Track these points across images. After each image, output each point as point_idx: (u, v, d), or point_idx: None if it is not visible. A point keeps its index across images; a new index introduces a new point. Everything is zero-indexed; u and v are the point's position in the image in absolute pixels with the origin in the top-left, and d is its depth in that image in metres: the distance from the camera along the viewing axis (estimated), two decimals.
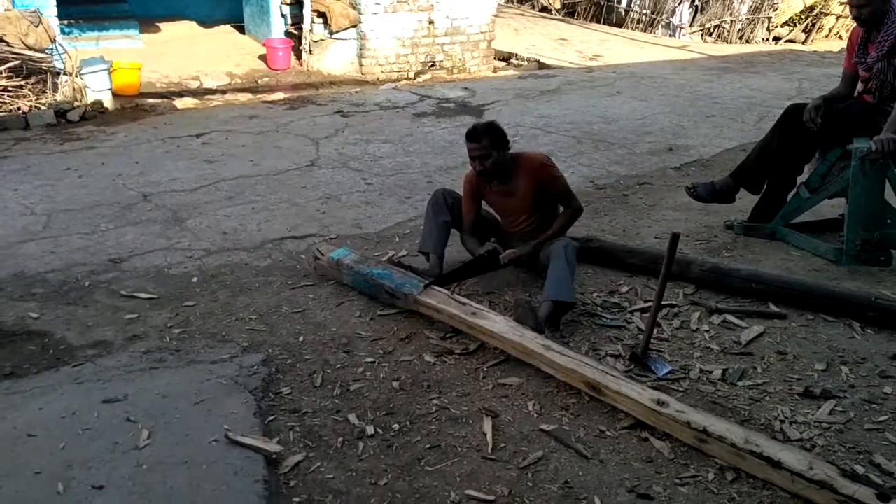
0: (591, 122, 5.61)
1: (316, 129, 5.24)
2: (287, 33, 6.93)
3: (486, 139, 2.55)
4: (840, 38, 9.24)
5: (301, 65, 6.80)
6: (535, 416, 2.03)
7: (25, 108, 4.94)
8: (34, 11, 5.10)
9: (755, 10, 9.13)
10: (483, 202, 2.85)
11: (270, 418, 2.01)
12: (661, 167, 4.54)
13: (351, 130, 5.25)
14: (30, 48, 4.97)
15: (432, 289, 2.51)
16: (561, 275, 2.46)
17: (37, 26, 4.98)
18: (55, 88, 5.16)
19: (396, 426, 1.98)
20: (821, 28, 9.47)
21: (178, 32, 7.47)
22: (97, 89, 5.22)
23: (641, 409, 1.91)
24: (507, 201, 2.72)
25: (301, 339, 2.45)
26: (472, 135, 2.55)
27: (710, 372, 2.23)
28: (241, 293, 2.81)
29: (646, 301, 2.70)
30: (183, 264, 3.06)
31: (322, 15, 6.61)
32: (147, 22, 7.39)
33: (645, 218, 3.65)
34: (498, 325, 2.27)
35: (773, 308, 2.61)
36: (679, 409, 1.86)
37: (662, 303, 2.34)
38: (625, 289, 2.82)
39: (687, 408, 1.87)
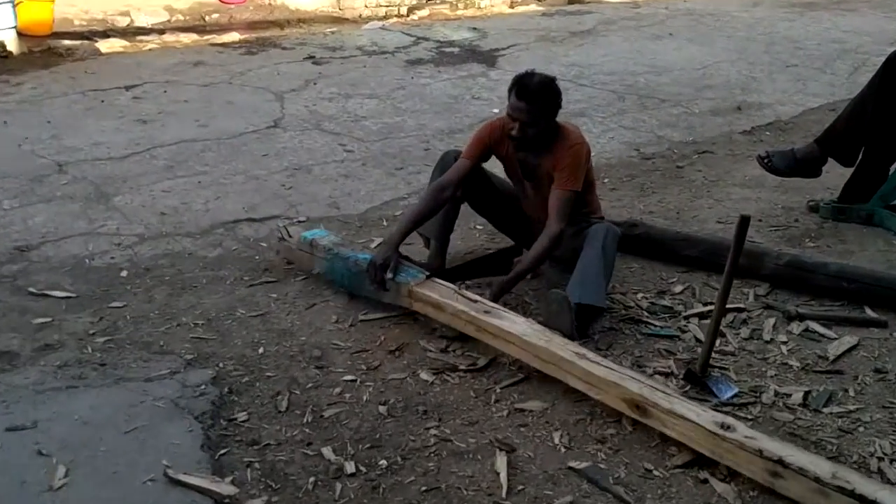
0: (635, 73, 5.59)
1: (280, 81, 5.21)
2: None
3: (540, 102, 2.52)
4: None
5: None
6: (563, 450, 2.03)
7: None
8: None
9: None
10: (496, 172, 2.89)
11: (222, 452, 2.01)
12: (726, 131, 4.54)
13: (325, 82, 5.22)
14: None
15: (433, 281, 2.54)
16: (591, 269, 2.47)
17: None
18: None
19: (384, 463, 1.97)
20: None
21: None
22: None
23: (700, 436, 1.89)
24: (529, 178, 2.73)
25: (261, 350, 2.47)
26: (525, 92, 2.50)
27: (789, 395, 2.23)
28: (183, 291, 2.83)
29: (705, 304, 2.71)
30: (109, 254, 3.07)
31: None
32: None
33: (705, 196, 3.65)
34: (518, 325, 2.29)
35: (869, 313, 2.61)
36: (749, 434, 1.85)
37: (727, 306, 2.35)
38: (678, 288, 2.85)
39: (759, 434, 1.87)
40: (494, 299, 2.51)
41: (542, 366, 2.22)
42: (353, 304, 2.73)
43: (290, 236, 2.92)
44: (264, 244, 3.19)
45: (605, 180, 3.81)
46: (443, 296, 2.47)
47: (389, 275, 2.57)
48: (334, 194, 3.66)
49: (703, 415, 1.92)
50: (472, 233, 3.30)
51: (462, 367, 2.37)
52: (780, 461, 1.76)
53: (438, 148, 4.15)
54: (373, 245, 3.12)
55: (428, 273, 2.60)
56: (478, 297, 2.44)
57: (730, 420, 1.90)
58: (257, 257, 3.08)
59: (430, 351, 2.46)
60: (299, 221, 3.26)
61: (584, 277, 2.47)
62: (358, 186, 3.75)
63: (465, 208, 2.92)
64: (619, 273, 2.87)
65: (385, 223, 3.37)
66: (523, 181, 2.75)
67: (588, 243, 2.54)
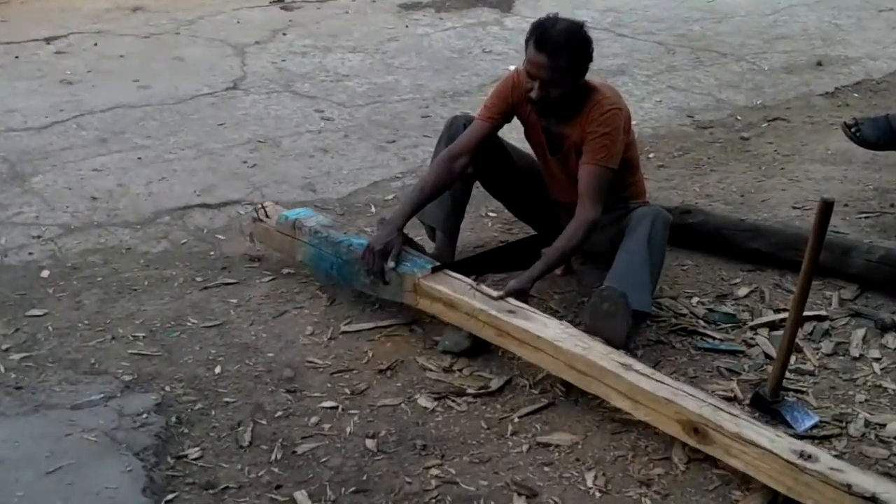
0: (688, 20, 5.58)
1: (240, 31, 5.21)
2: None
3: (566, 55, 2.49)
4: None
5: None
6: (598, 494, 2.02)
7: None
8: None
9: None
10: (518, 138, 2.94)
11: (169, 497, 2.00)
12: (804, 93, 4.52)
13: (298, 32, 5.21)
14: None
15: (444, 273, 2.58)
16: (635, 265, 2.47)
17: None
18: None
19: None
20: None
21: None
22: None
23: (773, 467, 1.88)
24: (554, 151, 2.74)
25: (218, 369, 2.48)
26: (546, 42, 2.47)
27: (883, 426, 2.23)
28: (120, 296, 2.83)
29: (777, 311, 2.71)
30: (26, 248, 3.08)
31: None
32: None
33: (777, 175, 3.65)
34: (550, 329, 2.32)
35: None
36: (835, 465, 1.84)
37: (805, 313, 2.36)
38: (743, 290, 2.85)
39: (847, 465, 1.86)
40: (522, 295, 2.49)
41: (577, 378, 2.24)
42: (333, 311, 2.73)
43: (267, 216, 2.95)
44: (222, 236, 3.20)
45: (651, 156, 3.82)
46: (456, 291, 2.49)
47: (391, 263, 2.58)
48: (309, 174, 3.66)
49: (777, 441, 1.91)
50: (484, 221, 3.32)
51: (470, 390, 2.38)
52: (873, 499, 1.74)
53: (440, 115, 4.14)
54: (368, 230, 3.14)
55: (437, 263, 2.62)
56: (500, 294, 2.47)
57: (811, 448, 1.89)
58: (213, 253, 3.09)
59: (431, 370, 2.47)
60: (263, 206, 3.18)
61: (625, 275, 2.46)
62: (339, 164, 3.75)
63: (474, 191, 2.96)
64: (668, 271, 2.87)
65: (373, 210, 3.39)
66: (547, 155, 2.76)
67: (631, 232, 2.53)
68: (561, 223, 2.64)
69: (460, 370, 2.48)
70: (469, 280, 2.56)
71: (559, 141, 2.68)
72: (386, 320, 2.69)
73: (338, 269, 2.73)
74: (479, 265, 2.82)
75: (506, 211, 3.14)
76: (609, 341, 2.31)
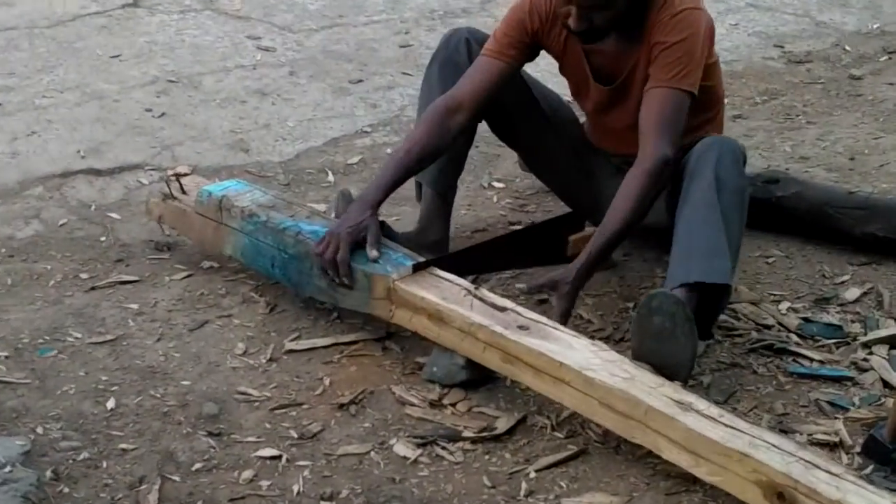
0: None
1: None
2: None
3: None
4: None
5: None
6: None
7: None
8: None
9: None
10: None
11: None
12: None
13: None
14: None
15: (430, 272, 2.59)
16: (695, 224, 2.48)
17: None
18: None
19: None
20: None
21: None
22: None
23: None
24: (605, 79, 2.76)
25: (111, 404, 2.46)
26: None
27: None
28: None
29: None
30: None
31: None
32: None
33: None
34: (577, 352, 2.30)
35: None
36: None
37: None
38: (853, 292, 2.86)
39: None
40: (565, 310, 2.51)
41: (615, 422, 2.22)
42: (274, 322, 2.72)
43: (183, 191, 2.96)
44: (116, 215, 3.20)
45: (725, 100, 3.70)
46: (447, 298, 2.47)
47: (373, 253, 2.57)
48: (240, 127, 3.70)
49: None
50: (486, 195, 3.30)
51: (468, 433, 2.36)
52: None
53: (426, 44, 4.13)
54: (325, 208, 3.10)
55: (420, 259, 2.61)
56: (507, 304, 2.45)
57: None
58: (104, 239, 3.09)
59: (412, 405, 2.45)
60: (177, 176, 3.14)
61: (687, 248, 2.47)
62: (283, 113, 3.75)
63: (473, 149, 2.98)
64: (747, 265, 2.88)
65: (331, 178, 3.38)
66: (592, 86, 2.78)
67: (694, 172, 2.54)
68: (610, 189, 2.66)
69: (453, 405, 2.45)
70: (465, 282, 2.54)
71: (613, 66, 2.70)
72: (348, 334, 2.67)
73: (281, 268, 2.73)
74: (481, 260, 2.80)
75: (517, 179, 3.13)
76: (663, 370, 2.30)
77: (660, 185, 2.56)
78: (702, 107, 2.71)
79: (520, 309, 2.43)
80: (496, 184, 3.36)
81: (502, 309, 2.42)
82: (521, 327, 2.36)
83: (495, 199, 3.30)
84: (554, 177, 3.06)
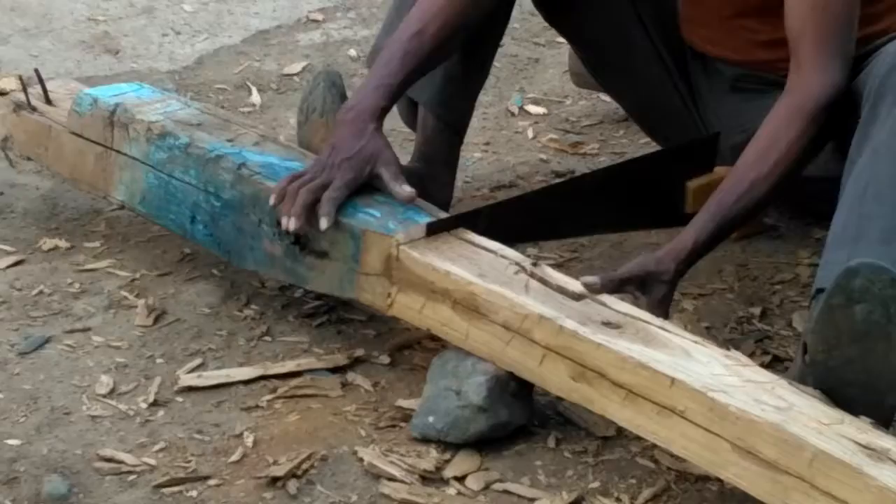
0: None
1: None
2: None
3: None
4: None
5: None
6: None
7: None
8: None
9: None
10: None
11: None
12: None
13: None
14: None
15: (456, 235, 2.35)
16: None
17: None
18: None
19: None
20: None
21: None
22: None
23: None
24: None
25: None
26: None
27: None
28: None
29: None
30: None
31: None
32: None
33: None
34: (700, 363, 2.03)
35: None
36: None
37: None
38: None
39: None
40: (663, 298, 2.23)
41: (760, 482, 1.91)
42: (167, 335, 2.44)
43: (48, 101, 2.78)
44: None
45: None
46: (485, 276, 2.20)
47: (404, 190, 2.35)
48: (106, 13, 3.57)
49: None
50: (516, 125, 3.14)
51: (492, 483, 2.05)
52: None
53: None
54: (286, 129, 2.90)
55: (444, 216, 2.35)
56: (582, 284, 2.14)
57: None
58: None
59: (391, 479, 2.07)
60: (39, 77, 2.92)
61: (876, 199, 2.17)
62: None
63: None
64: None
65: (255, 97, 3.25)
66: None
67: (879, 97, 2.22)
68: (722, 118, 2.43)
69: (460, 480, 2.06)
70: (516, 254, 2.25)
71: None
72: (285, 360, 2.33)
73: (208, 222, 2.46)
74: (539, 217, 2.54)
75: (567, 100, 3.08)
76: (864, 393, 2.00)
77: (825, 131, 2.31)
78: None
79: (605, 297, 2.13)
80: (532, 108, 3.15)
81: (577, 297, 2.10)
82: (607, 324, 2.09)
83: (531, 132, 3.06)
84: (637, 94, 2.82)
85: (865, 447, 1.80)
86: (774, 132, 2.27)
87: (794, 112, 2.27)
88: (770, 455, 1.85)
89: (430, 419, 2.10)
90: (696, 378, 1.92)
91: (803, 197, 2.61)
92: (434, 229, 2.25)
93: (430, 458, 2.07)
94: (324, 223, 2.24)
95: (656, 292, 2.20)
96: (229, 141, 2.51)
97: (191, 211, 2.48)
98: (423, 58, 2.47)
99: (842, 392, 1.96)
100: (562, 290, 2.11)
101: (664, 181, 2.58)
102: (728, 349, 2.08)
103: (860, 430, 1.84)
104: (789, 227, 2.73)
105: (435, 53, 2.49)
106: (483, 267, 2.18)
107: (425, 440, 2.10)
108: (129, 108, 2.60)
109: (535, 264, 2.18)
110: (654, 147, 2.88)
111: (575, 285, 2.15)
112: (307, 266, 2.34)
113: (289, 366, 2.31)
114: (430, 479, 2.06)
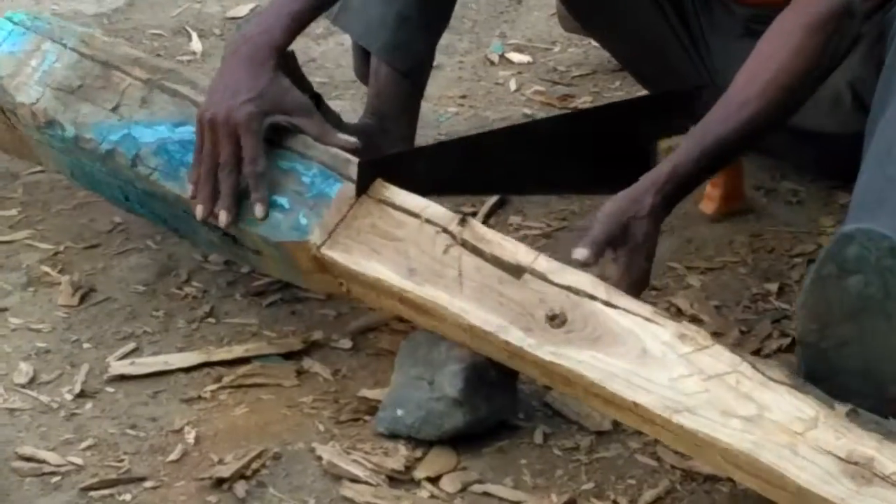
0: None
1: None
2: None
3: None
4: None
5: None
6: None
7: None
8: None
9: None
10: None
11: None
12: None
13: None
14: None
15: (381, 189, 2.26)
16: None
17: None
18: None
19: None
20: None
21: None
22: None
23: None
24: None
25: None
26: None
27: None
28: None
29: None
30: None
31: None
32: None
33: None
34: (660, 361, 1.96)
35: None
36: None
37: None
38: None
39: None
40: (645, 244, 2.11)
41: (780, 499, 1.86)
42: (87, 319, 2.38)
43: None
44: None
45: None
46: (413, 268, 2.13)
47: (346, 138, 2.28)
48: None
49: None
50: (496, 75, 3.15)
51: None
52: None
53: None
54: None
55: (359, 178, 2.19)
56: (524, 254, 2.08)
57: None
58: None
59: (354, 480, 2.06)
60: None
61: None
62: None
63: None
64: None
65: (195, 45, 3.24)
66: None
67: None
68: (733, 66, 2.25)
69: (433, 481, 2.01)
70: (439, 212, 2.14)
71: None
72: (232, 344, 2.29)
73: (144, 202, 2.43)
74: (485, 164, 2.44)
75: (555, 47, 3.10)
76: (864, 380, 1.95)
77: (832, 48, 2.17)
78: None
79: (545, 265, 2.01)
80: (515, 56, 3.13)
81: (516, 271, 2.03)
82: (552, 318, 2.00)
83: (513, 84, 3.03)
84: (629, 41, 2.71)
85: (847, 461, 1.76)
86: (769, 48, 2.21)
87: (793, 23, 2.20)
88: (755, 481, 1.85)
89: (399, 412, 2.05)
90: (657, 395, 1.87)
91: (823, 156, 2.56)
92: (361, 190, 2.19)
93: (398, 456, 2.02)
94: (259, 212, 2.19)
95: (636, 235, 2.10)
96: (114, 111, 2.40)
97: (122, 192, 2.44)
98: None
99: (837, 381, 1.90)
100: (498, 264, 2.03)
101: (632, 138, 2.53)
102: (680, 322, 2.00)
103: (837, 433, 1.78)
104: (810, 192, 2.66)
105: None
106: (411, 253, 2.10)
107: (393, 436, 2.05)
108: (6, 87, 2.53)
109: (463, 221, 2.08)
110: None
111: (511, 252, 2.05)
112: (252, 252, 2.32)
113: (236, 351, 2.25)
114: (399, 480, 2.01)
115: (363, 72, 2.67)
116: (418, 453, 2.01)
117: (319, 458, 2.00)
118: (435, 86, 2.83)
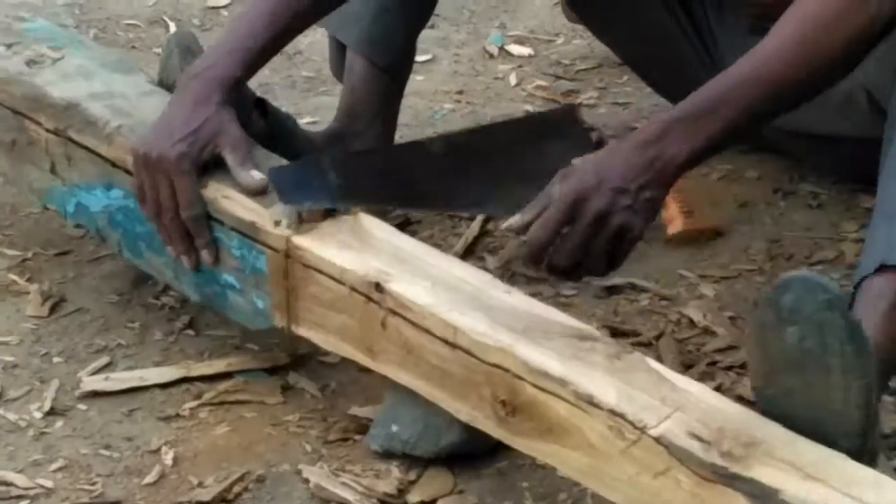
0: None
1: None
2: None
3: None
4: None
5: None
6: None
7: None
8: None
9: None
10: None
11: None
12: None
13: None
14: None
15: (363, 212, 2.20)
16: None
17: None
18: None
19: None
20: None
21: None
22: None
23: None
24: None
25: None
26: None
27: None
28: None
29: None
30: None
31: None
32: None
33: None
34: (602, 386, 1.81)
35: None
36: None
37: None
38: None
39: None
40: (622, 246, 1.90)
41: None
42: (57, 331, 2.38)
43: None
44: None
45: None
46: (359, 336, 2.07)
47: (253, 176, 2.23)
48: None
49: None
50: (495, 69, 3.15)
51: None
52: None
53: None
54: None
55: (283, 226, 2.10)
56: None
57: None
58: None
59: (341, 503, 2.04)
60: None
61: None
62: None
63: None
64: None
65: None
66: None
67: None
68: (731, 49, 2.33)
69: None
70: (355, 269, 2.06)
71: None
72: (213, 359, 2.26)
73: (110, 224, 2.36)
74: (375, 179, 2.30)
75: (558, 39, 3.10)
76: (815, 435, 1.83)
77: (862, 34, 1.97)
78: None
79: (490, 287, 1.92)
80: (516, 48, 3.11)
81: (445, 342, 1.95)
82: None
83: (513, 78, 3.00)
84: (634, 36, 2.67)
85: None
86: (790, 23, 1.98)
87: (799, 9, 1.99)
88: None
89: (394, 428, 2.01)
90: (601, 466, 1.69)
91: (841, 160, 2.53)
92: (345, 204, 2.14)
93: (391, 478, 1.97)
94: (207, 257, 2.19)
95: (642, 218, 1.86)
96: (53, 172, 2.41)
97: (93, 225, 2.43)
98: (301, 12, 2.35)
99: (793, 426, 1.78)
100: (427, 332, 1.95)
101: (526, 157, 2.42)
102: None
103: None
104: (831, 195, 2.61)
105: (312, 8, 2.38)
106: (359, 331, 2.07)
107: (387, 455, 2.00)
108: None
109: (378, 287, 2.00)
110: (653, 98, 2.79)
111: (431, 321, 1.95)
112: (199, 284, 2.30)
113: (217, 366, 2.21)
114: None
115: (340, 69, 2.64)
116: (412, 475, 1.96)
117: (306, 481, 1.96)
118: (430, 80, 2.83)
